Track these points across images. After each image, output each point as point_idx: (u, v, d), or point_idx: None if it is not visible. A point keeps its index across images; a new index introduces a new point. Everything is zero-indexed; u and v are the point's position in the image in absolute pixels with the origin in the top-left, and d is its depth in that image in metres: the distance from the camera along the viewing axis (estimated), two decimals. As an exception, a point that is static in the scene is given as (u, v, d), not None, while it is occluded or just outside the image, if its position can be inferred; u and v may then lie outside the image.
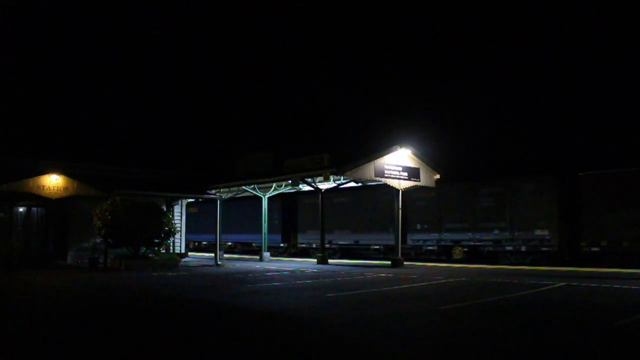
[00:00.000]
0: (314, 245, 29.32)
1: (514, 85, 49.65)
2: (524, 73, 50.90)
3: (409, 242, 25.75)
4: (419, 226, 25.65)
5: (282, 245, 31.77)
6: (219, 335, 7.68)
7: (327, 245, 27.24)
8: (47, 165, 20.50)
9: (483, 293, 12.13)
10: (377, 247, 27.32)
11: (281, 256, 30.13)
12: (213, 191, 26.34)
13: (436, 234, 25.01)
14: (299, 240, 31.02)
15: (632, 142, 31.98)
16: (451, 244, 24.66)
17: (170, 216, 21.85)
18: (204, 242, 37.49)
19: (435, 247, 25.11)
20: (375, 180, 22.14)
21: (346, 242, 28.89)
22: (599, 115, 39.05)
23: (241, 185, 26.26)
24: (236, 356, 6.45)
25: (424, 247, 25.50)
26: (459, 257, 24.32)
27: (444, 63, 56.49)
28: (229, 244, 36.02)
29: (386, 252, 26.47)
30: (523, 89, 49.11)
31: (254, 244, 33.41)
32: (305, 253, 30.42)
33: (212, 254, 28.78)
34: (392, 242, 24.80)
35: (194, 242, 37.50)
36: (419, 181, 22.75)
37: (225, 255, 27.37)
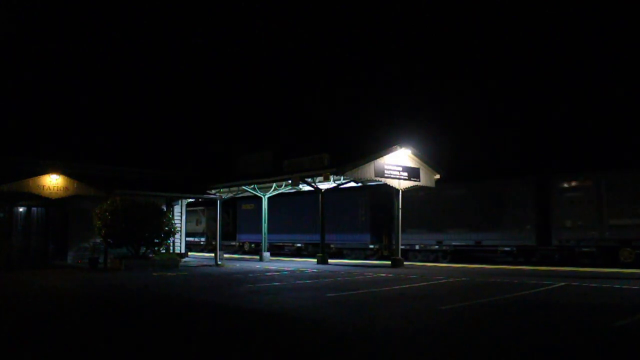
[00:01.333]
0: (416, 247, 25.10)
1: (514, 85, 49.64)
2: (524, 73, 50.89)
3: (554, 242, 21.44)
4: (569, 223, 21.19)
5: (371, 247, 26.90)
6: (219, 335, 7.67)
7: (436, 247, 24.34)
8: (47, 165, 20.51)
9: (483, 293, 12.13)
10: (508, 248, 22.64)
11: (368, 259, 26.47)
12: (213, 191, 26.34)
13: (596, 233, 20.43)
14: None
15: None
16: (617, 244, 20.04)
17: (170, 216, 21.85)
18: (277, 243, 32.18)
19: (594, 249, 20.45)
20: (375, 180, 22.14)
21: (463, 243, 23.77)
22: (607, 113, 39.02)
23: (241, 185, 26.28)
24: (236, 356, 6.45)
25: (576, 249, 20.96)
26: (629, 260, 19.79)
27: (444, 63, 56.48)
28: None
29: (520, 254, 22.53)
30: (523, 89, 49.10)
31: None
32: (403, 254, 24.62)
33: (236, 255, 28.93)
34: (529, 242, 21.79)
35: (250, 243, 33.92)
36: (419, 181, 22.75)
37: (226, 256, 27.36)
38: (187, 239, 35.13)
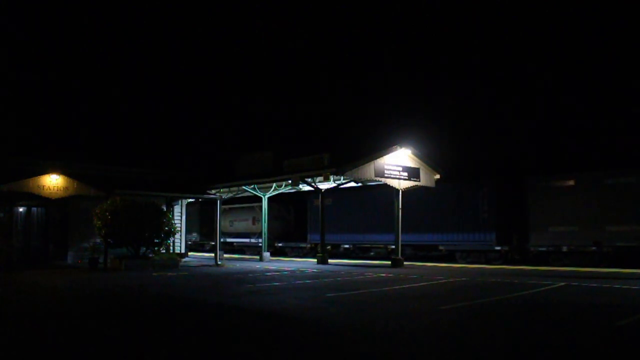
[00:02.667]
0: (564, 249, 21.10)
1: (514, 84, 49.63)
2: (524, 73, 50.88)
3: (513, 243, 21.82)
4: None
5: (497, 248, 22.62)
6: (219, 335, 7.67)
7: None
8: (47, 165, 20.50)
9: (483, 293, 12.13)
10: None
11: (492, 263, 22.53)
12: (213, 191, 26.35)
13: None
14: (535, 242, 21.75)
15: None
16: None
17: (170, 216, 21.85)
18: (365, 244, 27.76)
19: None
20: (375, 180, 22.14)
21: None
22: (605, 113, 39.00)
23: (241, 185, 26.28)
24: (236, 356, 6.45)
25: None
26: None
27: (444, 63, 56.47)
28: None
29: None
30: (523, 89, 49.09)
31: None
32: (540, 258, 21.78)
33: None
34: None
35: (338, 244, 28.86)
36: (419, 181, 22.74)
37: (226, 256, 27.34)
38: (237, 240, 33.64)
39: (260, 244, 29.20)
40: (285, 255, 31.13)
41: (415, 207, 24.15)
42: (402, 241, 22.69)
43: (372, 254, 27.55)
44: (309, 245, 30.02)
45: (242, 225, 33.83)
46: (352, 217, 27.94)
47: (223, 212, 31.83)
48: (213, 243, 32.56)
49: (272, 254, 28.94)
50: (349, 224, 28.02)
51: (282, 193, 27.48)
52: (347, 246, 28.36)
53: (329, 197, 26.62)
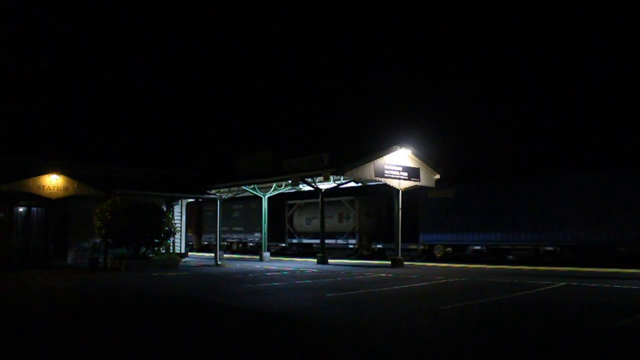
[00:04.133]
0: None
1: (514, 84, 49.63)
2: (524, 72, 50.88)
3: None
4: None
5: None
6: (219, 335, 7.68)
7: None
8: (47, 165, 20.51)
9: (483, 293, 12.13)
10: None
11: None
12: (213, 191, 26.35)
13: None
14: None
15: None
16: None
17: (170, 216, 21.85)
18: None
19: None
20: (375, 180, 22.13)
21: None
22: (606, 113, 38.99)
23: (241, 185, 26.28)
24: (235, 356, 6.45)
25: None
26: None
27: (444, 63, 56.47)
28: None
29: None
30: (523, 89, 49.09)
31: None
32: None
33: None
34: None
35: (446, 246, 24.26)
36: (419, 181, 22.74)
37: (226, 256, 27.33)
38: (317, 240, 27.14)
39: (351, 245, 27.15)
40: (385, 258, 24.83)
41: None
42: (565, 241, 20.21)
43: (510, 257, 22.68)
44: (420, 247, 24.92)
45: (330, 222, 27.86)
46: (484, 212, 22.91)
47: (298, 207, 30.04)
48: (284, 245, 30.94)
49: (368, 257, 26.27)
50: (480, 221, 22.93)
51: (369, 186, 25.29)
52: (477, 247, 23.18)
53: (450, 188, 23.60)
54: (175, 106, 65.65)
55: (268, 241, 27.55)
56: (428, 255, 24.73)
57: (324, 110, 60.29)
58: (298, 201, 30.06)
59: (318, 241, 26.58)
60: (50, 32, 63.48)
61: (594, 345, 6.87)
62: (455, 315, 9.18)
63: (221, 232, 29.45)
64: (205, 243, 35.79)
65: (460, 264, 22.51)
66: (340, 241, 28.09)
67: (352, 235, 27.72)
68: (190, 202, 29.66)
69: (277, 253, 30.97)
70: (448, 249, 23.89)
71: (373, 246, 26.94)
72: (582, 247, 20.54)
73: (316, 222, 27.39)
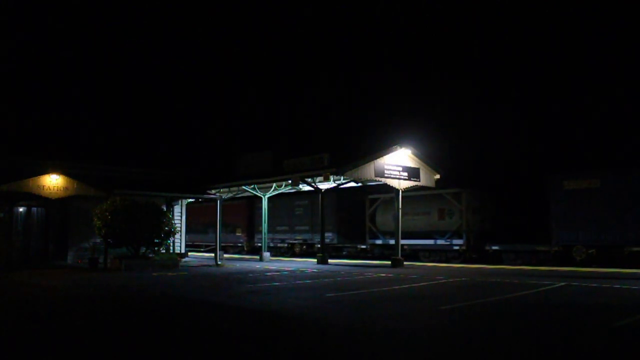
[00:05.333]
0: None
1: (514, 84, 49.64)
2: (524, 72, 50.89)
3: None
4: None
5: None
6: (219, 335, 7.67)
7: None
8: (47, 165, 20.51)
9: (483, 293, 12.13)
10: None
11: None
12: (213, 191, 26.36)
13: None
14: None
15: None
16: None
17: (170, 216, 21.86)
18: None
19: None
20: (376, 180, 22.13)
21: None
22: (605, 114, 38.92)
23: (241, 185, 26.30)
24: (235, 356, 6.45)
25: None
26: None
27: (444, 63, 56.48)
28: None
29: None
30: (523, 88, 49.10)
31: None
32: None
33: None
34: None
35: (588, 248, 19.75)
36: (419, 181, 22.74)
37: (226, 256, 27.33)
38: (411, 241, 24.18)
39: (456, 247, 23.22)
40: (501, 262, 21.89)
41: None
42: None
43: None
44: (555, 249, 20.53)
45: (419, 221, 24.69)
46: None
47: (382, 203, 25.92)
48: (364, 246, 26.89)
49: (475, 260, 22.78)
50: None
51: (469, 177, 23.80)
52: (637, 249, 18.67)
53: (595, 178, 19.55)
54: (175, 106, 65.69)
55: (341, 242, 25.86)
56: (562, 257, 20.22)
57: (324, 110, 60.30)
58: (382, 195, 25.79)
59: (411, 242, 24.28)
60: (51, 32, 63.51)
61: (594, 345, 6.87)
62: (455, 315, 9.18)
63: (278, 231, 28.67)
64: (259, 244, 29.80)
65: (461, 264, 22.51)
66: (441, 242, 23.90)
67: (456, 234, 23.51)
68: (238, 198, 28.43)
69: (354, 256, 27.32)
70: (591, 251, 19.61)
71: (487, 247, 22.76)
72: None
73: (409, 219, 24.45)
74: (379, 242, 26.33)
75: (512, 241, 22.10)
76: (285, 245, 30.45)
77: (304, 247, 29.62)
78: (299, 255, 29.20)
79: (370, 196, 26.74)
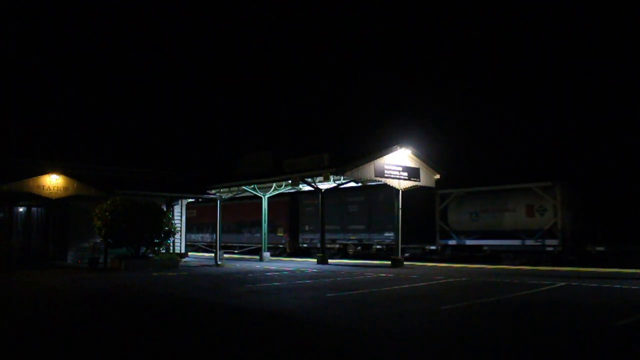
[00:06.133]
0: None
1: (514, 84, 49.64)
2: (524, 73, 50.89)
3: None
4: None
5: None
6: (218, 335, 7.67)
7: None
8: (47, 165, 20.52)
9: (483, 293, 12.13)
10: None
11: None
12: (213, 191, 26.36)
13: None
14: None
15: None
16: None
17: (170, 216, 21.86)
18: None
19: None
20: (375, 180, 22.13)
21: None
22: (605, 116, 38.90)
23: (241, 185, 26.29)
24: (235, 356, 6.44)
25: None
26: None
27: (444, 63, 56.48)
28: None
29: None
30: (523, 88, 49.10)
31: None
32: None
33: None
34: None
35: None
36: (419, 181, 22.73)
37: (225, 255, 27.31)
38: (491, 242, 22.08)
39: (549, 248, 20.67)
40: (606, 264, 19.09)
41: None
42: None
43: None
44: None
45: (501, 218, 22.27)
46: None
47: (456, 198, 23.71)
48: (433, 247, 24.21)
49: (572, 263, 20.13)
50: None
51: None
52: None
53: None
54: (175, 106, 65.69)
55: (404, 243, 22.73)
56: None
57: (324, 110, 60.31)
58: (456, 190, 23.85)
59: (492, 242, 22.04)
60: (51, 32, 63.51)
61: (594, 345, 6.87)
62: (455, 315, 9.17)
63: (329, 231, 26.18)
64: (305, 245, 28.65)
65: (461, 264, 22.49)
66: (530, 242, 21.19)
67: (549, 234, 20.91)
68: (282, 194, 26.84)
69: (419, 258, 24.57)
70: None
71: (589, 248, 20.27)
72: None
73: (489, 217, 22.36)
74: (452, 242, 23.63)
75: (619, 241, 19.34)
76: (336, 246, 27.44)
77: (359, 248, 26.75)
78: (352, 257, 26.54)
79: (441, 191, 24.25)
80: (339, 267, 21.31)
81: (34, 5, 61.54)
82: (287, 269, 20.18)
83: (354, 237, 26.80)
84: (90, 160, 25.18)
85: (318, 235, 25.76)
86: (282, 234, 30.24)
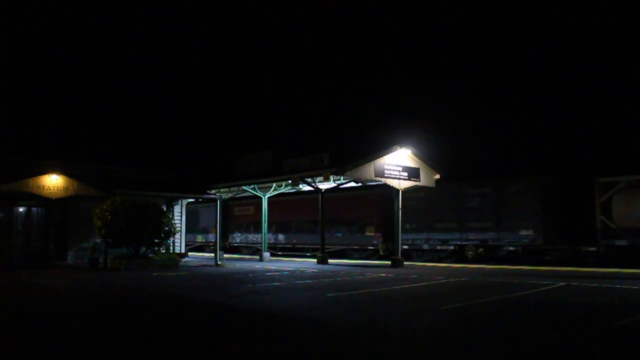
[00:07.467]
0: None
1: (514, 84, 49.63)
2: (524, 73, 50.88)
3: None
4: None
5: None
6: (218, 335, 7.67)
7: None
8: (47, 165, 20.52)
9: (483, 293, 12.12)
10: None
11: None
12: (213, 191, 26.36)
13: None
14: None
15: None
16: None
17: (170, 216, 21.86)
18: None
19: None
20: (375, 180, 22.12)
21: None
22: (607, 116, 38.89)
23: (241, 185, 26.30)
24: (235, 356, 6.44)
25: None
26: None
27: (445, 63, 56.47)
28: None
29: None
30: (523, 88, 49.09)
31: None
32: None
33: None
34: None
35: None
36: (419, 181, 22.73)
37: (225, 255, 27.31)
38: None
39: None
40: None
41: None
42: None
43: None
44: None
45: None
46: None
47: (625, 188, 19.25)
48: (593, 248, 19.66)
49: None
50: None
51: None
52: None
53: None
54: (175, 106, 65.69)
55: (549, 243, 20.08)
56: None
57: (324, 110, 60.31)
58: (624, 178, 19.46)
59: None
60: (51, 32, 63.49)
61: (594, 345, 6.87)
62: (455, 315, 9.17)
63: (437, 230, 23.41)
64: (405, 247, 24.17)
65: (460, 264, 22.48)
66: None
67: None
68: (365, 187, 25.10)
69: (565, 262, 20.29)
70: None
71: None
72: None
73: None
74: (621, 242, 19.07)
75: None
76: (450, 247, 23.52)
77: (481, 249, 22.59)
78: (471, 262, 22.48)
79: (603, 179, 19.80)
80: (339, 267, 21.31)
81: (34, 5, 61.54)
82: (287, 269, 20.18)
83: (474, 237, 22.89)
84: (90, 160, 25.19)
85: (423, 236, 23.66)
86: (371, 234, 26.20)
